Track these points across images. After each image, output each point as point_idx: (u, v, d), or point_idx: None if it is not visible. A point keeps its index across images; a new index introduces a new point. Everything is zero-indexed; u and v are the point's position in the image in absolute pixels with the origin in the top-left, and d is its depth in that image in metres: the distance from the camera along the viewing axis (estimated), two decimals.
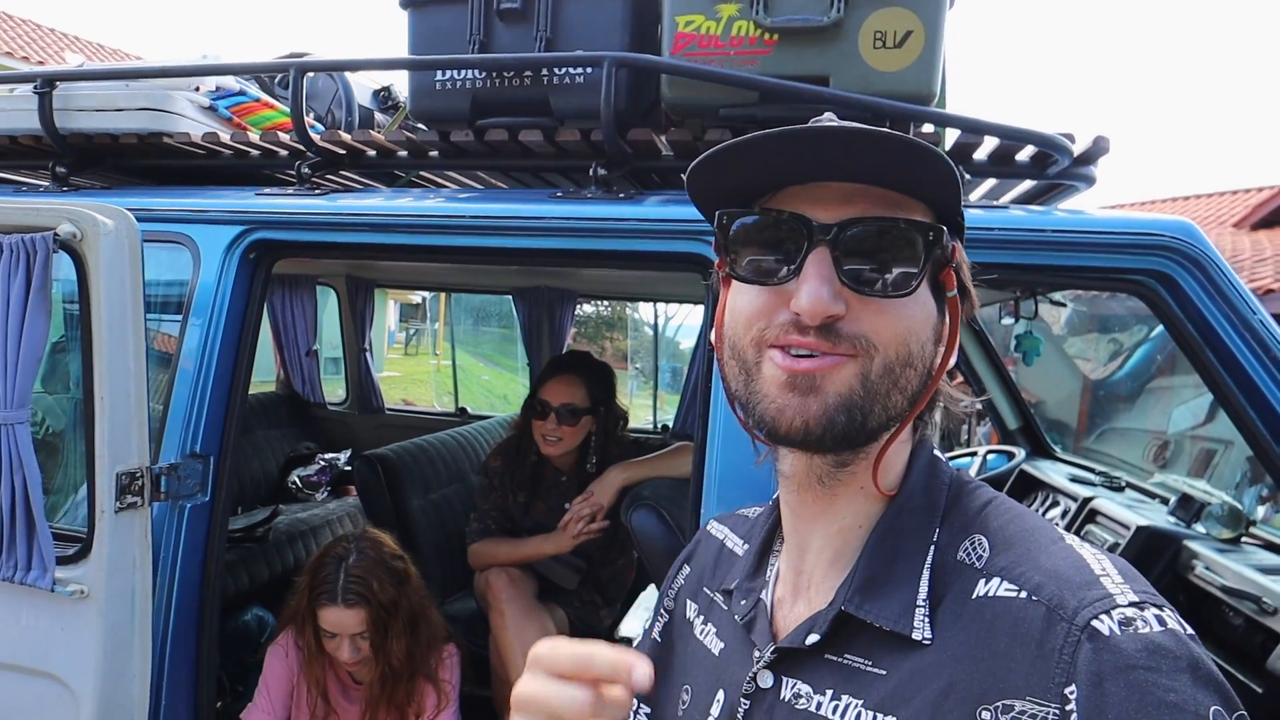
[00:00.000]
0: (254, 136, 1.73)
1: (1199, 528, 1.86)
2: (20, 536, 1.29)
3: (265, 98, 1.93)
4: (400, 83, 2.37)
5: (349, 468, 3.61)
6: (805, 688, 0.58)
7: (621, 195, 1.46)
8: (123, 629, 1.33)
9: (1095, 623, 0.48)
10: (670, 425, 3.73)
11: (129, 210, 1.46)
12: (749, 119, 1.43)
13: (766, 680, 0.60)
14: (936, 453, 0.62)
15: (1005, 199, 1.74)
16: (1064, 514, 2.33)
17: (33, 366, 1.28)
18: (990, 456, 2.81)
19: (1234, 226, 10.20)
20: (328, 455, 3.64)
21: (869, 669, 0.55)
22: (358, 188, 1.88)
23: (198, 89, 1.75)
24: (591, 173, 1.49)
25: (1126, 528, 1.92)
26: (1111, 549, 1.93)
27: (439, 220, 1.48)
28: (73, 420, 1.55)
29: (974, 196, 1.75)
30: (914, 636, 0.54)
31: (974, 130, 1.35)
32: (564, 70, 1.48)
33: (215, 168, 1.81)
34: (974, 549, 0.56)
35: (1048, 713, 0.47)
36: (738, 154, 0.56)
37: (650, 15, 1.51)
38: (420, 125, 1.64)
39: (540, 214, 1.44)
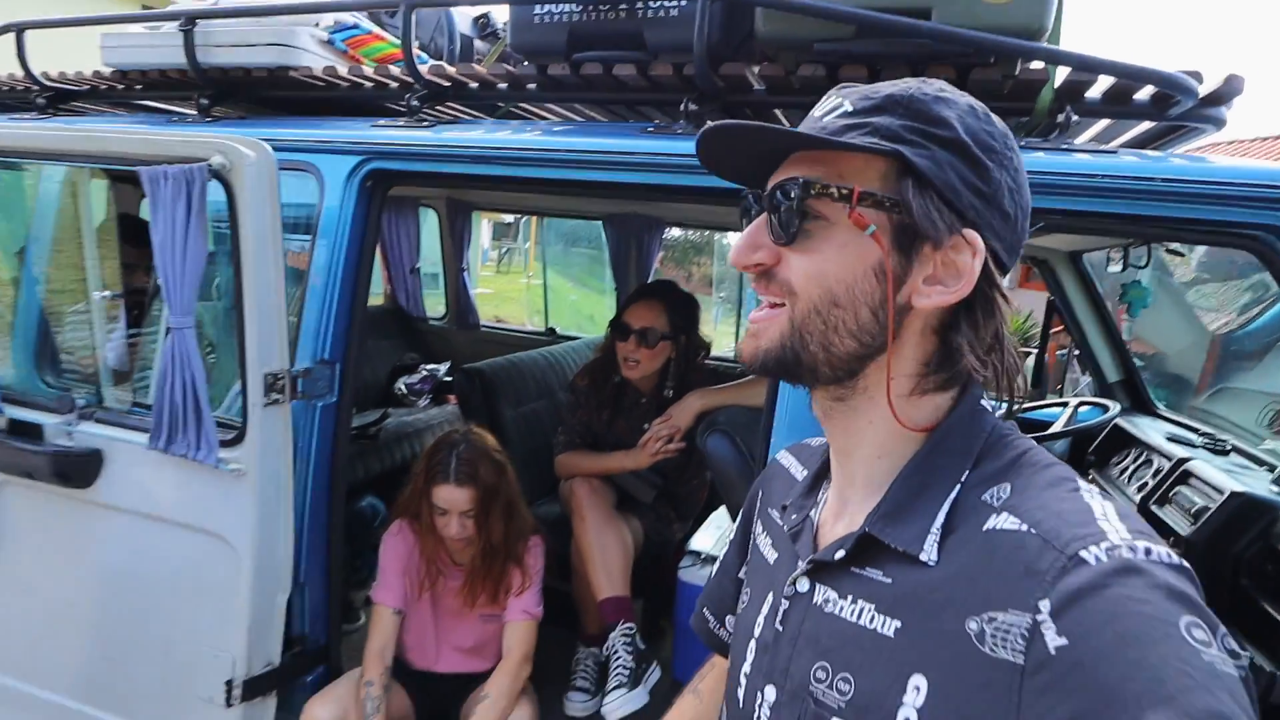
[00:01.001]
0: (367, 69, 1.87)
1: None
2: (191, 422, 1.54)
3: (377, 30, 2.06)
4: (497, 11, 2.45)
5: (448, 378, 3.89)
6: (833, 594, 0.66)
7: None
8: (272, 501, 1.57)
9: (1083, 552, 0.52)
10: None
11: (264, 140, 1.65)
12: (844, 54, 1.44)
13: (804, 586, 0.69)
14: (984, 403, 0.67)
15: (1121, 140, 1.68)
16: (1155, 473, 2.27)
17: (196, 279, 1.50)
18: (1083, 409, 2.75)
19: None
20: (429, 366, 3.93)
21: (881, 579, 0.63)
22: (464, 118, 2.00)
23: (318, 24, 1.90)
24: (683, 108, 1.55)
25: (1220, 492, 1.87)
26: (1200, 513, 1.90)
27: (535, 154, 1.59)
28: (224, 327, 1.79)
29: (1084, 138, 1.70)
30: (920, 558, 0.61)
31: (1086, 68, 1.29)
32: (658, 4, 1.53)
33: (334, 98, 1.97)
34: (998, 493, 0.61)
35: (1021, 621, 0.53)
36: (736, 135, 0.68)
37: None
38: (519, 58, 1.73)
39: (631, 149, 1.52)
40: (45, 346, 1.98)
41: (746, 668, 0.73)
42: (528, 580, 1.92)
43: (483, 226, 16.17)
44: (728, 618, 0.91)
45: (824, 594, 0.67)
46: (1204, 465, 2.07)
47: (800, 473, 0.83)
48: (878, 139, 0.62)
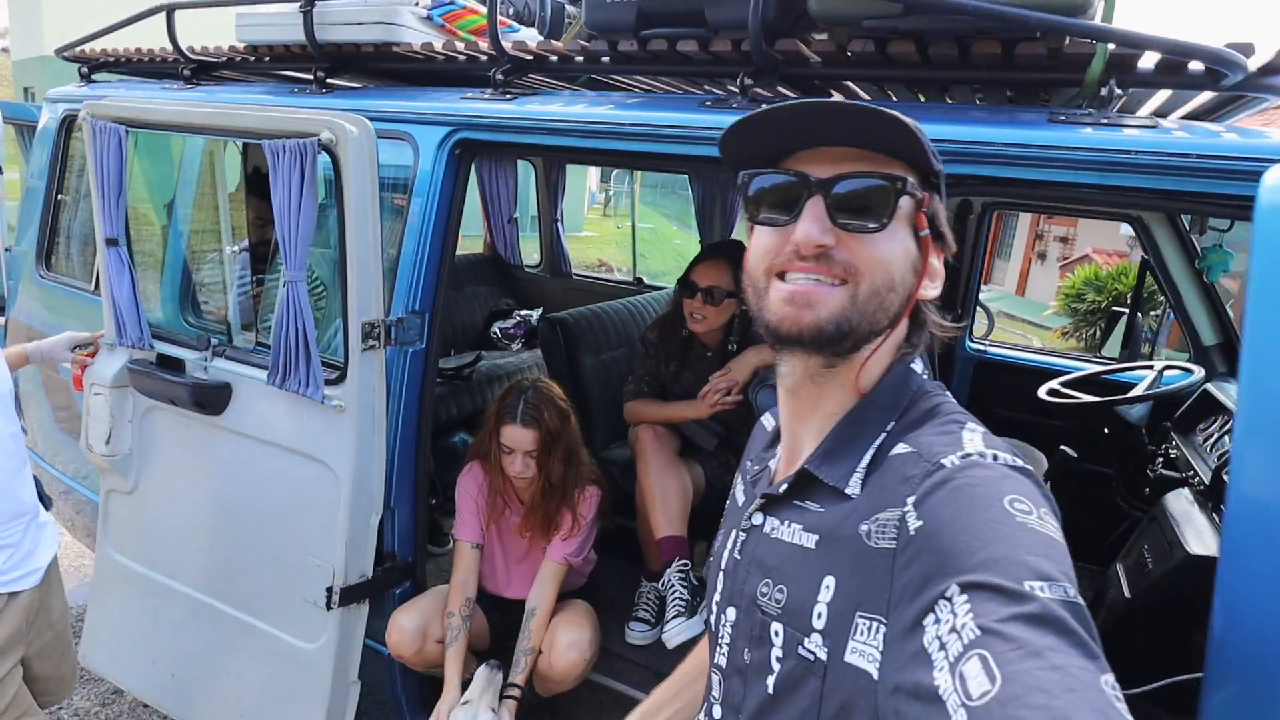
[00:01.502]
0: (459, 45, 2.02)
1: None
2: (302, 363, 1.78)
3: (470, 4, 2.20)
4: None
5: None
6: (777, 522, 0.79)
7: (763, 105, 1.58)
8: (367, 433, 1.81)
9: (943, 459, 0.66)
10: None
11: (368, 111, 1.84)
12: (891, 30, 1.47)
13: (758, 519, 0.81)
14: (913, 367, 0.79)
15: (1183, 111, 1.63)
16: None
17: (307, 239, 1.72)
18: (1168, 373, 2.66)
19: None
20: (523, 311, 4.17)
21: (816, 509, 0.75)
22: (547, 89, 2.12)
23: (418, 2, 2.06)
24: (739, 82, 1.62)
25: None
26: None
27: (602, 127, 1.70)
28: (329, 279, 2.02)
29: (1146, 110, 1.66)
30: (847, 492, 0.73)
31: (1129, 44, 1.29)
32: None
33: (430, 70, 2.14)
34: (912, 435, 0.73)
35: (895, 515, 0.66)
36: (758, 124, 0.75)
37: None
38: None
39: (689, 123, 1.61)
40: (188, 289, 2.30)
41: (717, 596, 0.86)
42: (577, 527, 2.09)
43: (589, 170, 16.34)
44: None
45: (771, 524, 0.79)
46: None
47: (770, 427, 0.96)
48: (930, 154, 0.74)
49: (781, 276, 0.75)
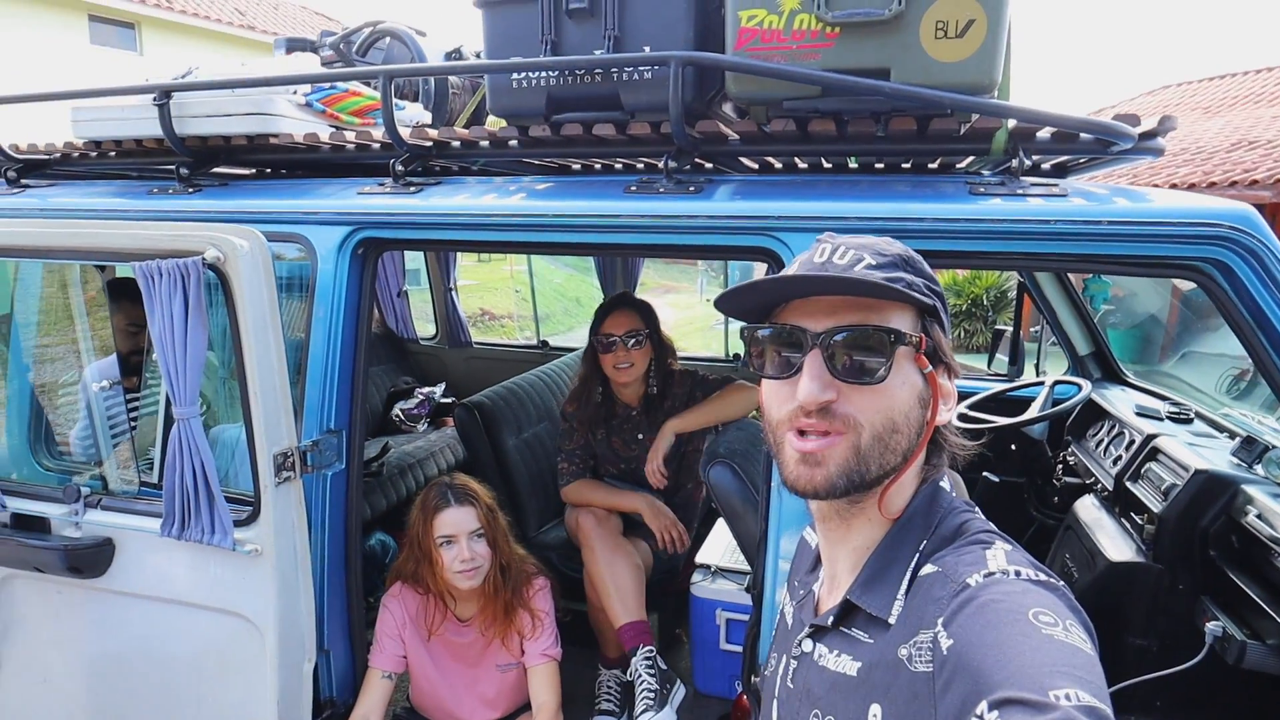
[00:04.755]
0: (349, 135, 1.88)
1: (1259, 470, 1.91)
2: (204, 507, 1.56)
3: (352, 85, 2.05)
4: (470, 43, 2.45)
5: (446, 400, 3.91)
6: (824, 649, 0.81)
7: (691, 188, 1.55)
8: (290, 577, 1.61)
9: (968, 579, 0.68)
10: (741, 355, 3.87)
11: (251, 211, 1.67)
12: (812, 110, 1.48)
13: (808, 646, 0.84)
14: (941, 485, 0.81)
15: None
16: (1128, 446, 2.39)
17: (198, 370, 1.52)
18: (1058, 387, 2.85)
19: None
20: (425, 389, 3.94)
21: (861, 638, 0.77)
22: (451, 175, 2.00)
23: (295, 91, 1.90)
24: (663, 165, 1.58)
25: (1186, 469, 1.98)
26: (1169, 490, 1.99)
27: (521, 219, 1.61)
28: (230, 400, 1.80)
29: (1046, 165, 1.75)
30: (889, 620, 0.75)
31: (1031, 121, 1.37)
32: (632, 68, 1.54)
33: (316, 160, 1.97)
34: (938, 556, 0.75)
35: (928, 637, 0.68)
36: (747, 292, 0.79)
37: (714, 7, 1.54)
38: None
39: (614, 211, 1.55)
40: (40, 428, 1.99)
41: None
42: (539, 623, 1.96)
43: None
44: None
45: (819, 650, 0.82)
46: (1170, 441, 2.17)
47: (814, 543, 0.96)
48: (916, 293, 0.76)
49: (795, 428, 0.77)
